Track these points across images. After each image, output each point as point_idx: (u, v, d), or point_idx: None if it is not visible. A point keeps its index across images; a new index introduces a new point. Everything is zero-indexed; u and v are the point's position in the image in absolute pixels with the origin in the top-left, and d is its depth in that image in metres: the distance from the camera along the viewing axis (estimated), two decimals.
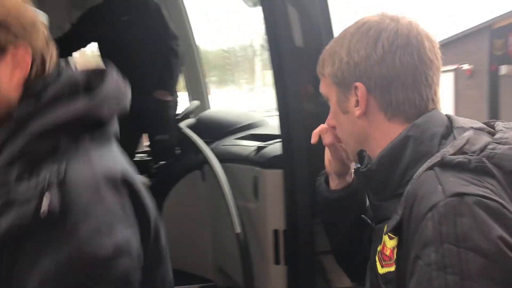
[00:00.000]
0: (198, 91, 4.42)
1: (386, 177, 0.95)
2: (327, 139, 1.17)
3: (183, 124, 3.16)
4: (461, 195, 0.77)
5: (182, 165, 3.15)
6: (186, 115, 3.62)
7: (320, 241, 1.80)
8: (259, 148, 2.02)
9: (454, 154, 0.84)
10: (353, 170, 1.22)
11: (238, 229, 2.02)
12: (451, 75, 11.76)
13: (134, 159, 3.96)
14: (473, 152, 0.85)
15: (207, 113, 3.62)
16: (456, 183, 0.80)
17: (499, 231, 0.74)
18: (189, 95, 4.68)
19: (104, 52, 3.69)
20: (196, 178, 2.95)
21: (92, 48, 4.12)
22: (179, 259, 3.10)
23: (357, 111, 1.00)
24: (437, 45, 0.99)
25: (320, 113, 1.89)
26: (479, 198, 0.76)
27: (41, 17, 1.85)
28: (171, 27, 3.58)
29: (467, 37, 11.38)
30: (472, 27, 11.24)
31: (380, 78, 0.95)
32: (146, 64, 3.47)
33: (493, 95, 10.69)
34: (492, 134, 0.92)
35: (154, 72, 3.45)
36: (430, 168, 0.84)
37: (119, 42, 3.50)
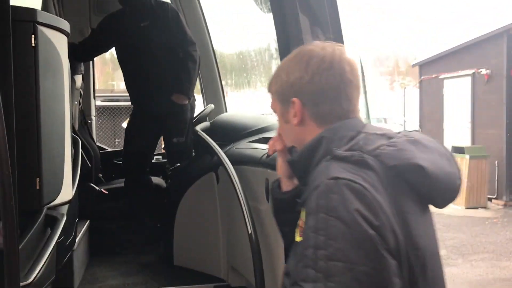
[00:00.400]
0: (214, 95, 4.50)
1: (305, 166, 1.19)
2: (278, 146, 1.36)
3: (198, 127, 3.24)
4: (336, 178, 1.03)
5: (197, 167, 3.23)
6: (201, 118, 3.70)
7: None
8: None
9: (346, 150, 1.09)
10: None
11: (250, 230, 2.08)
12: (468, 80, 11.67)
13: (152, 161, 4.07)
14: (368, 150, 1.08)
15: (222, 116, 3.69)
16: (337, 170, 1.06)
17: (357, 205, 0.99)
18: (205, 98, 4.77)
19: (123, 57, 3.79)
20: (210, 180, 3.03)
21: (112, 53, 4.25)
22: (193, 258, 3.19)
23: (295, 121, 1.23)
24: (357, 68, 1.22)
25: None
26: (348, 181, 1.02)
27: (66, 27, 1.95)
28: (188, 32, 3.66)
29: (485, 42, 11.29)
30: (490, 32, 11.14)
31: (311, 94, 1.20)
32: (164, 69, 3.56)
33: (511, 100, 10.60)
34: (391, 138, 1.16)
35: (171, 76, 3.54)
36: (327, 159, 1.11)
37: (137, 47, 3.60)
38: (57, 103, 1.83)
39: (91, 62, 4.80)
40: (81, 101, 4.30)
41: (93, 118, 5.00)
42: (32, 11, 1.69)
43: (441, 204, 1.19)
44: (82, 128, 4.26)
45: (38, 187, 1.68)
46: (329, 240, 0.98)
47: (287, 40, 1.98)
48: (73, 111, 3.90)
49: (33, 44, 1.68)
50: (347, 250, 0.96)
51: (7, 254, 1.38)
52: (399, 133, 1.19)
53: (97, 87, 5.74)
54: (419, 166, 1.07)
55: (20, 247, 1.84)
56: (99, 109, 7.67)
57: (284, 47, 1.97)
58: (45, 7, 3.51)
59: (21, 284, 1.60)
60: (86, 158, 3.68)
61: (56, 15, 3.77)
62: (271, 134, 2.76)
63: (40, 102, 1.69)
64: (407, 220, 1.05)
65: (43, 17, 1.74)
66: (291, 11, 1.98)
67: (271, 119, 3.20)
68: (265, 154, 2.15)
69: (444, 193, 1.16)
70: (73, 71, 3.83)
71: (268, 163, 2.06)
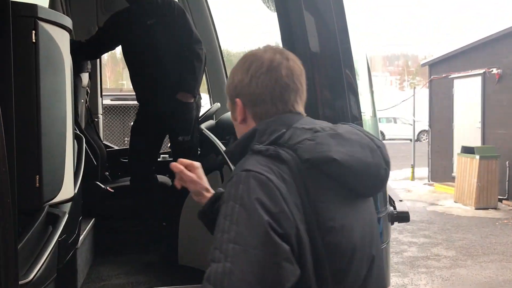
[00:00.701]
0: (220, 93, 4.47)
1: (240, 156, 1.27)
2: (175, 169, 1.54)
3: (204, 126, 3.21)
4: (247, 170, 1.13)
5: (202, 166, 3.20)
6: (207, 117, 3.67)
7: None
8: None
9: (268, 144, 1.18)
10: (208, 186, 1.57)
11: None
12: (479, 79, 11.54)
13: (158, 159, 4.06)
14: (289, 144, 1.17)
15: (228, 115, 3.66)
16: (251, 163, 1.15)
17: (258, 194, 1.08)
18: (211, 97, 4.74)
19: (129, 55, 3.78)
20: (215, 179, 3.00)
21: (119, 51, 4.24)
22: (198, 258, 3.16)
23: (239, 119, 1.34)
24: (296, 73, 1.31)
25: (335, 117, 1.92)
26: (256, 173, 1.11)
27: (68, 23, 1.93)
28: (195, 30, 3.63)
29: (496, 41, 11.15)
30: (501, 30, 11.00)
31: (249, 95, 1.30)
32: (170, 67, 3.54)
33: None
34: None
35: (177, 74, 3.52)
36: (249, 153, 1.21)
37: (143, 45, 3.58)
38: (58, 100, 1.81)
39: (98, 60, 4.79)
40: (87, 99, 4.29)
41: (100, 116, 4.99)
42: (33, 7, 1.68)
43: (366, 193, 1.28)
44: (88, 126, 4.26)
45: (37, 184, 1.67)
46: (232, 225, 1.08)
47: (291, 38, 1.95)
48: (80, 109, 3.89)
49: (34, 40, 1.66)
50: (244, 234, 1.06)
51: (4, 253, 1.36)
52: (327, 127, 1.27)
53: (107, 86, 5.73)
54: (332, 159, 1.15)
55: (20, 246, 1.83)
56: (109, 108, 7.68)
57: (289, 46, 1.94)
58: (52, 5, 3.50)
59: (20, 282, 1.59)
60: (92, 156, 3.67)
61: (64, 13, 3.78)
62: None
63: (40, 99, 1.67)
64: (318, 209, 1.13)
65: (44, 13, 1.72)
66: (295, 9, 1.95)
67: None
68: None
69: (366, 182, 1.23)
70: (80, 69, 3.82)
71: None
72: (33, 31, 1.65)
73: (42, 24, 1.69)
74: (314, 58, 1.93)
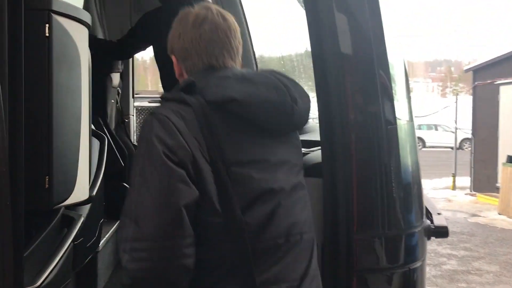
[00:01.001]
0: None
1: None
2: None
3: None
4: (152, 113, 1.26)
5: None
6: None
7: (362, 258, 1.67)
8: None
9: (179, 91, 1.29)
10: None
11: None
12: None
13: None
14: (201, 90, 1.27)
15: None
16: (160, 108, 1.27)
17: (157, 130, 1.20)
18: None
19: (160, 56, 3.71)
20: None
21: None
22: None
23: (177, 74, 1.42)
24: (222, 27, 1.36)
25: (367, 122, 1.77)
26: (158, 114, 1.23)
27: (86, 18, 1.86)
28: None
29: None
30: None
31: (180, 50, 1.38)
32: None
33: None
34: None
35: None
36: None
37: None
38: (72, 97, 1.73)
39: (130, 60, 4.76)
40: (118, 100, 4.26)
41: (131, 117, 4.96)
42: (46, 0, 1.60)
43: (279, 130, 1.34)
44: (118, 127, 4.21)
45: (47, 185, 1.59)
46: (138, 157, 1.22)
47: (319, 38, 1.81)
48: (109, 109, 3.85)
49: (47, 34, 1.58)
50: (145, 166, 1.18)
51: (3, 257, 1.28)
52: (239, 73, 1.33)
53: (148, 88, 5.71)
54: (232, 98, 1.24)
55: (31, 249, 1.76)
56: (146, 110, 7.70)
57: (317, 47, 1.80)
58: (86, 6, 3.48)
59: None
60: (119, 157, 3.62)
61: (97, 14, 3.75)
62: (307, 137, 2.58)
63: (52, 95, 1.59)
64: (223, 145, 1.23)
65: (59, 6, 1.64)
66: (325, 8, 1.80)
67: (313, 123, 3.01)
68: None
69: (273, 119, 1.30)
70: (111, 69, 3.78)
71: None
72: (46, 25, 1.58)
73: (56, 17, 1.61)
74: (345, 60, 1.78)
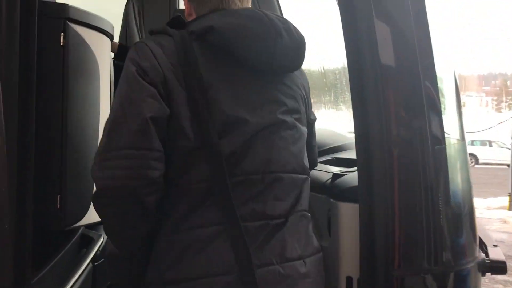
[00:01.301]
0: None
1: None
2: None
3: None
4: (137, 42, 1.29)
5: None
6: None
7: None
8: (335, 176, 1.73)
9: (166, 24, 1.31)
10: None
11: None
12: None
13: None
14: (187, 24, 1.32)
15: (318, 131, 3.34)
16: (146, 39, 1.28)
17: (134, 55, 1.23)
18: None
19: None
20: None
21: None
22: None
23: (186, 12, 1.40)
24: None
25: (411, 139, 1.57)
26: (139, 43, 1.26)
27: (108, 27, 1.77)
28: None
29: None
30: None
31: None
32: None
33: None
34: None
35: None
36: None
37: None
38: (89, 110, 1.63)
39: None
40: None
41: None
42: (63, 7, 1.51)
43: (263, 68, 1.28)
44: None
45: (58, 206, 1.48)
46: (123, 77, 1.22)
47: (356, 50, 1.63)
48: None
49: (62, 43, 1.49)
50: (121, 88, 1.21)
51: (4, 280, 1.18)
52: (229, 9, 1.33)
53: None
54: (209, 27, 1.24)
55: (46, 269, 1.67)
56: None
57: (354, 58, 1.62)
58: (125, 19, 3.44)
59: None
60: None
61: (135, 17, 3.69)
62: (346, 155, 2.39)
63: (67, 108, 1.49)
64: (202, 71, 1.22)
65: (77, 14, 1.55)
66: (364, 16, 1.63)
67: (348, 136, 2.81)
68: (329, 179, 1.79)
69: (253, 51, 1.25)
70: None
71: (331, 190, 1.70)
72: (62, 34, 1.49)
73: (73, 26, 1.52)
74: (386, 71, 1.60)
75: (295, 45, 1.32)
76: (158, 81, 1.19)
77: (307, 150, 1.42)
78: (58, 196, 1.49)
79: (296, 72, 1.41)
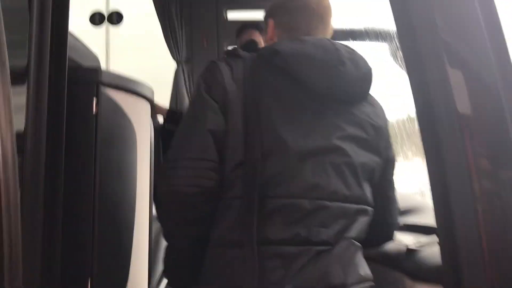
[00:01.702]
0: None
1: None
2: None
3: None
4: (210, 61, 1.39)
5: None
6: None
7: None
8: (409, 252, 1.46)
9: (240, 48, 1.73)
10: None
11: None
12: None
13: None
14: (261, 49, 1.41)
15: None
16: (217, 59, 1.40)
17: (204, 74, 1.36)
18: None
19: None
20: None
21: None
22: None
23: (268, 37, 1.48)
24: (324, 5, 1.43)
25: (502, 192, 1.29)
26: (211, 62, 1.39)
27: (147, 92, 1.67)
28: None
29: None
30: None
31: (278, 8, 1.48)
32: None
33: None
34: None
35: None
36: None
37: None
38: (125, 182, 1.48)
39: None
40: None
41: None
42: (95, 72, 1.41)
43: (324, 95, 1.30)
44: None
45: None
46: (194, 91, 1.39)
47: (429, 104, 1.41)
48: None
49: (94, 112, 1.38)
50: (191, 100, 1.38)
51: None
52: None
53: None
54: (275, 50, 1.32)
55: None
56: None
57: (425, 112, 1.39)
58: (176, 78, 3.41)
59: None
60: None
61: (185, 82, 3.63)
62: (419, 218, 2.09)
63: (96, 179, 1.35)
64: (257, 90, 1.28)
65: (111, 78, 1.44)
66: (437, 67, 1.43)
67: (420, 199, 2.50)
68: (402, 251, 1.52)
69: (316, 77, 1.29)
70: None
71: (404, 267, 1.43)
72: (94, 99, 1.37)
73: (107, 91, 1.40)
74: (464, 121, 1.37)
75: (360, 74, 1.33)
76: (221, 97, 1.27)
77: (380, 197, 1.37)
78: (89, 278, 1.32)
79: (368, 103, 1.39)
